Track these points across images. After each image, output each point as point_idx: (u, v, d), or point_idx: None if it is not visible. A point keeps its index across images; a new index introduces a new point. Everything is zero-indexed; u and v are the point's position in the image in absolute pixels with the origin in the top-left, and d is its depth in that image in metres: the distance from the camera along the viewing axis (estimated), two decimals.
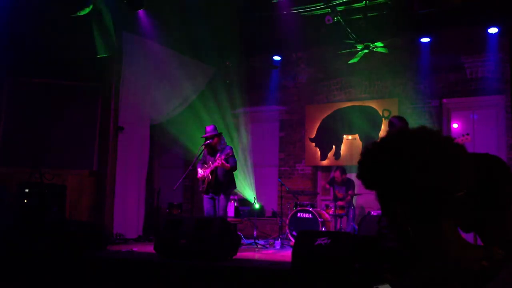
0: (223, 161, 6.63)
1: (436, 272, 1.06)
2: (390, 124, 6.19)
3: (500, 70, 8.44)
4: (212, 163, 6.78)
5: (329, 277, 4.32)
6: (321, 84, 10.22)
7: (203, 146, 7.00)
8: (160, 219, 8.90)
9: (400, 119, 6.16)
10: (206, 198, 6.89)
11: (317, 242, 4.57)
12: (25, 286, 5.17)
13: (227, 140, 7.32)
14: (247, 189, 10.23)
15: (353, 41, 8.33)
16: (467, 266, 1.04)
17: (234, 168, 6.88)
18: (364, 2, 7.76)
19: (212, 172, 6.78)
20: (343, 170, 8.67)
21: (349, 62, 8.72)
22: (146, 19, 8.32)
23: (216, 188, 6.79)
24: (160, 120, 9.43)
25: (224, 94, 10.26)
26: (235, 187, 7.09)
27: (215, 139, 6.91)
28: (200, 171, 6.92)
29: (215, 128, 7.02)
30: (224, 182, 6.81)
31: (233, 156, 6.82)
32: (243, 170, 10.16)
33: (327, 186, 8.99)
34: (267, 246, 7.74)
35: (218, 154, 6.80)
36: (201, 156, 7.07)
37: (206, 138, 6.94)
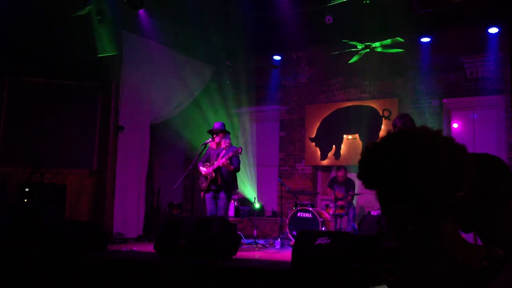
0: (227, 160, 6.64)
1: (436, 272, 1.06)
2: (393, 125, 6.19)
3: (500, 70, 8.44)
4: (216, 161, 6.79)
5: (329, 277, 4.32)
6: (321, 84, 10.22)
7: (204, 145, 7.02)
8: (160, 219, 8.91)
9: (401, 117, 6.15)
10: (208, 198, 6.89)
11: (317, 242, 4.57)
12: (25, 286, 5.17)
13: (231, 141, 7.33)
14: (248, 189, 10.23)
15: (353, 41, 8.33)
16: (467, 266, 1.04)
17: (237, 169, 6.90)
18: (364, 1, 7.75)
19: (215, 171, 6.78)
20: (346, 168, 8.72)
21: (349, 62, 8.72)
22: (146, 18, 8.32)
23: (219, 186, 6.80)
24: (160, 120, 9.43)
25: (224, 94, 10.27)
26: (237, 187, 7.11)
27: (220, 135, 6.94)
28: (203, 169, 6.93)
29: (223, 125, 7.05)
30: (227, 181, 6.82)
31: (238, 156, 6.84)
32: (245, 170, 10.17)
33: (328, 189, 9.02)
34: (267, 245, 7.73)
35: (223, 152, 6.82)
36: (203, 154, 7.08)
37: (212, 133, 6.98)
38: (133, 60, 8.49)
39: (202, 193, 6.97)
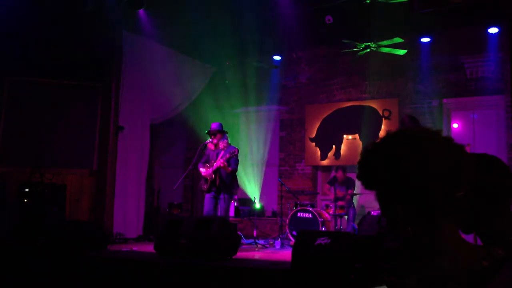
0: (225, 162, 6.65)
1: (436, 272, 1.06)
2: (401, 123, 6.21)
3: (500, 70, 8.44)
4: (215, 162, 6.79)
5: (329, 277, 4.32)
6: (321, 84, 10.22)
7: (203, 146, 7.03)
8: (160, 219, 8.91)
9: (411, 119, 6.17)
10: (208, 198, 6.89)
11: (317, 242, 4.57)
12: (25, 286, 5.17)
13: (229, 140, 7.34)
14: (250, 188, 10.23)
15: (353, 41, 8.33)
16: (467, 266, 1.04)
17: (235, 170, 6.89)
18: (364, 1, 7.75)
19: (215, 172, 6.78)
20: (344, 169, 8.72)
21: (349, 62, 8.73)
22: (146, 18, 8.32)
23: (219, 187, 6.80)
24: (160, 120, 9.43)
25: (224, 93, 10.27)
26: (238, 186, 7.11)
27: (218, 135, 6.94)
28: (202, 170, 6.93)
29: (220, 126, 7.05)
30: (226, 182, 6.82)
31: (236, 157, 6.83)
32: (249, 169, 10.19)
33: (327, 186, 9.01)
34: (267, 245, 7.73)
35: (222, 153, 6.82)
36: (202, 154, 7.09)
37: (210, 133, 6.99)
38: (133, 60, 8.48)
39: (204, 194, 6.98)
